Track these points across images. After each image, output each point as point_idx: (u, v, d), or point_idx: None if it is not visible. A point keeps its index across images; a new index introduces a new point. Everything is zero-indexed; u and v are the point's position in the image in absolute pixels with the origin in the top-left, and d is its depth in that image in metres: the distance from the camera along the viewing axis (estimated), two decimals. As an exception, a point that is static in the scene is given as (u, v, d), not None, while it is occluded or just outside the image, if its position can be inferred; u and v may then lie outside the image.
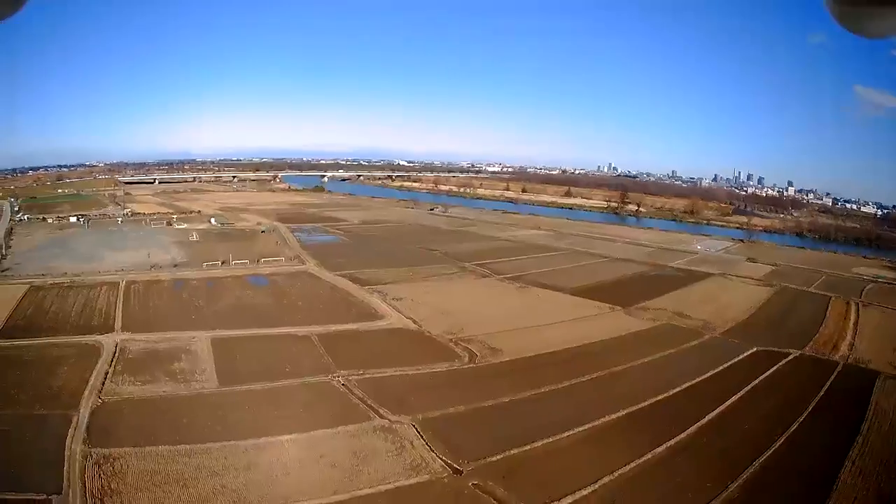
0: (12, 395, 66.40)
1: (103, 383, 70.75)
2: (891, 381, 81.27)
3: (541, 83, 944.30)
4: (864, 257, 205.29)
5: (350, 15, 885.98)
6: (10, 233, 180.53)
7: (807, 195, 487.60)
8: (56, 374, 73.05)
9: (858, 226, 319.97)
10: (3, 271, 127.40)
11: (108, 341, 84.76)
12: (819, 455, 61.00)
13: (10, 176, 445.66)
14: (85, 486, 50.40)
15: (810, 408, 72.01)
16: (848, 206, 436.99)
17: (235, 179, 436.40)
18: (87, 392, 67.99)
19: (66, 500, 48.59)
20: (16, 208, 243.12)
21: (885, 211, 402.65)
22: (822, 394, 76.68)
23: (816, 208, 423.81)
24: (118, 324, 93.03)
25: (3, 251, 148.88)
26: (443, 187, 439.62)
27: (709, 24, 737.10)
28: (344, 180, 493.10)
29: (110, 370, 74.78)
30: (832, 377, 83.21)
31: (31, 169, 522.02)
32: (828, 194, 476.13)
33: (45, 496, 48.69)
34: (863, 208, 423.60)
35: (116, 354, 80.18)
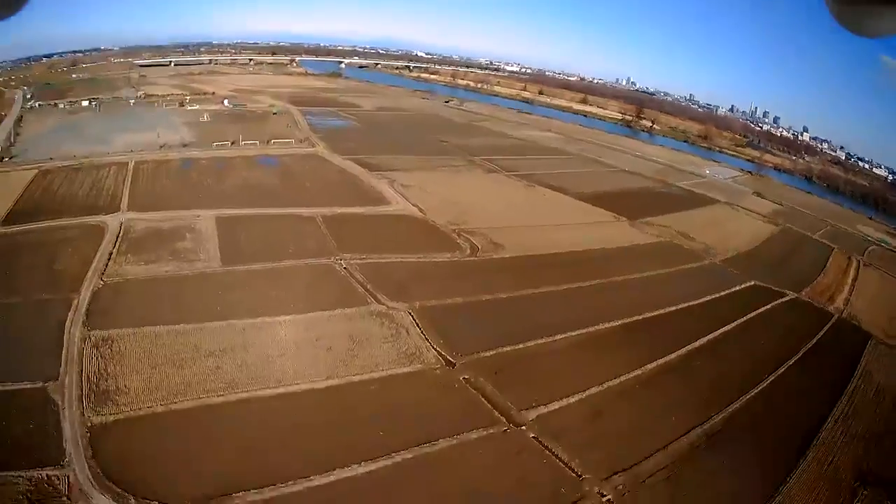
0: (14, 281, 65.98)
1: (106, 264, 70.45)
2: (882, 347, 78.74)
3: None
4: (870, 218, 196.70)
5: None
6: (20, 120, 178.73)
7: (821, 144, 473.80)
8: (59, 257, 72.60)
9: (867, 184, 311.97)
10: (12, 157, 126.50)
11: (113, 221, 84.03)
12: (804, 404, 60.31)
13: (24, 65, 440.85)
14: (82, 371, 50.65)
15: (800, 354, 70.89)
16: (860, 163, 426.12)
17: (252, 62, 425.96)
18: (89, 274, 67.81)
19: (62, 386, 48.73)
20: (28, 95, 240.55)
21: None
22: (813, 342, 75.24)
23: (829, 158, 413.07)
24: (124, 203, 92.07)
25: (13, 138, 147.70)
26: (460, 81, 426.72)
27: None
28: (361, 67, 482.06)
29: (114, 250, 74.35)
30: (825, 328, 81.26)
31: (45, 56, 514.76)
32: (842, 148, 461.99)
33: (40, 384, 48.79)
34: (875, 169, 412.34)
35: (121, 234, 79.68)
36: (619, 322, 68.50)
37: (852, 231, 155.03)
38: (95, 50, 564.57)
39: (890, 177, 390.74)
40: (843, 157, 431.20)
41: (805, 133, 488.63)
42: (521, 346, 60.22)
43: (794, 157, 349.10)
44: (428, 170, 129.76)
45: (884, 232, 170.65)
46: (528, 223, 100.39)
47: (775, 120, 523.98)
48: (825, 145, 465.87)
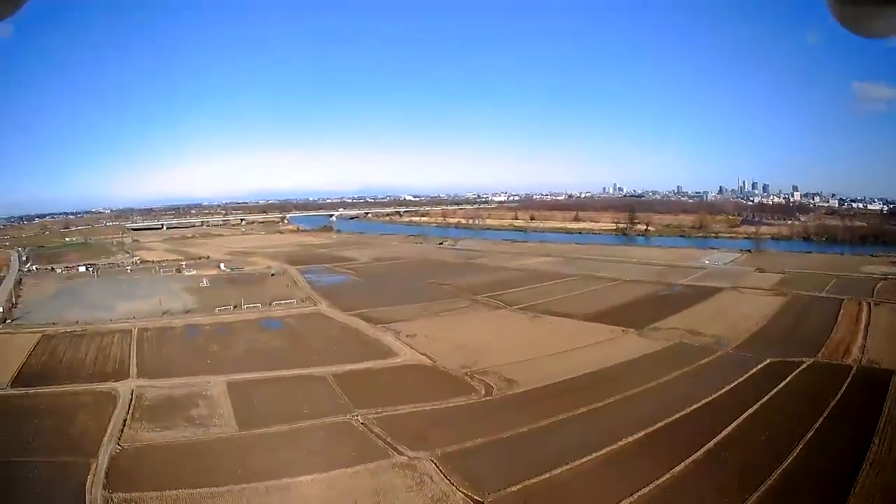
0: (31, 443, 66.58)
1: (122, 430, 70.70)
2: None
3: (542, 111, 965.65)
4: (872, 255, 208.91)
5: (349, 51, 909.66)
6: (19, 283, 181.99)
7: (813, 198, 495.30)
8: (74, 421, 73.28)
9: (865, 224, 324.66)
10: (14, 320, 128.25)
11: (123, 388, 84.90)
12: (837, 459, 60.75)
13: (16, 224, 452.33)
14: (109, 533, 50.18)
15: (826, 413, 71.81)
16: (854, 205, 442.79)
17: (243, 222, 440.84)
18: (105, 439, 67.96)
19: (90, 547, 48.25)
20: (24, 258, 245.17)
21: (892, 206, 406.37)
22: (837, 399, 76.56)
23: (823, 211, 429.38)
24: (133, 370, 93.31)
25: (14, 301, 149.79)
26: (451, 220, 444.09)
27: (704, 35, 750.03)
28: (352, 218, 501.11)
29: (128, 417, 74.76)
30: (847, 381, 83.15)
31: (38, 216, 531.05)
32: (833, 195, 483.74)
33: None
34: (869, 206, 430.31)
35: (133, 401, 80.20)
36: (641, 433, 68.26)
37: (857, 276, 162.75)
38: (87, 212, 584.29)
39: (885, 208, 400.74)
40: (837, 205, 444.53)
41: (796, 192, 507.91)
42: (546, 475, 59.63)
43: (789, 222, 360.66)
44: (431, 316, 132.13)
45: (888, 264, 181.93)
46: (538, 354, 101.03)
47: (765, 188, 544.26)
48: (817, 199, 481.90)
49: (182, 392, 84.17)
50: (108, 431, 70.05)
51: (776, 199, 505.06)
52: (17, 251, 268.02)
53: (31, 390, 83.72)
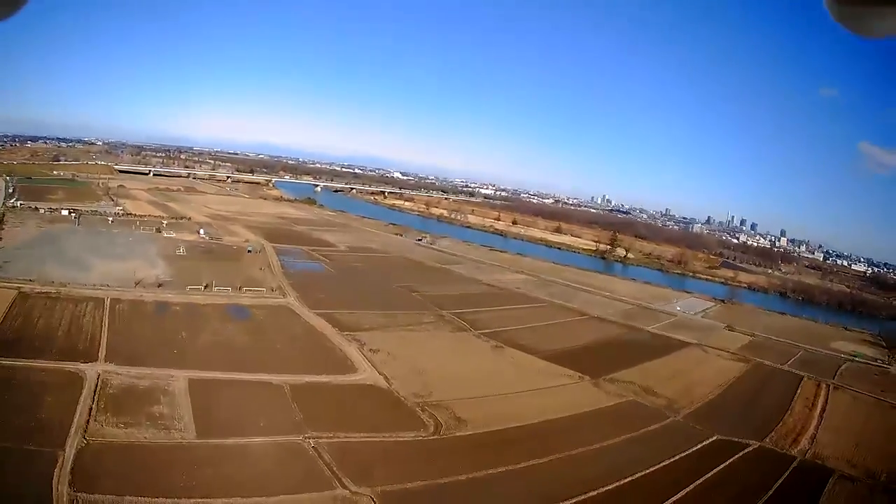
0: (2, 423, 69.87)
1: (87, 421, 74.12)
2: (841, 483, 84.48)
3: (541, 112, 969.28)
4: (846, 328, 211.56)
5: (361, 19, 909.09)
6: (2, 220, 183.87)
7: (798, 247, 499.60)
8: (42, 403, 76.49)
9: (846, 287, 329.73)
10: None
11: (91, 372, 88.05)
12: None
13: (8, 145, 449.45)
14: (70, 535, 54.45)
15: None
16: (839, 261, 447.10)
17: (229, 180, 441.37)
18: (72, 430, 71.45)
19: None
20: (10, 190, 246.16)
21: (876, 269, 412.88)
22: (770, 494, 79.03)
23: (806, 263, 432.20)
24: (102, 352, 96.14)
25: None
26: (434, 210, 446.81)
27: (721, 69, 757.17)
28: (337, 191, 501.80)
29: (94, 406, 78.09)
30: (785, 475, 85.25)
31: (31, 139, 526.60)
32: (820, 247, 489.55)
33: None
34: (853, 266, 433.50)
35: (98, 388, 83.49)
36: (573, 500, 71.19)
37: (825, 352, 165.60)
38: (79, 141, 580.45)
39: (869, 270, 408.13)
40: (822, 259, 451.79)
41: (783, 237, 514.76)
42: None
43: (769, 271, 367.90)
44: (396, 328, 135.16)
45: (859, 342, 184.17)
46: (492, 392, 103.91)
47: (753, 227, 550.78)
48: (803, 248, 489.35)
49: (146, 384, 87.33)
50: (75, 420, 73.42)
51: (762, 241, 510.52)
52: (5, 180, 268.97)
53: (5, 361, 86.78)
